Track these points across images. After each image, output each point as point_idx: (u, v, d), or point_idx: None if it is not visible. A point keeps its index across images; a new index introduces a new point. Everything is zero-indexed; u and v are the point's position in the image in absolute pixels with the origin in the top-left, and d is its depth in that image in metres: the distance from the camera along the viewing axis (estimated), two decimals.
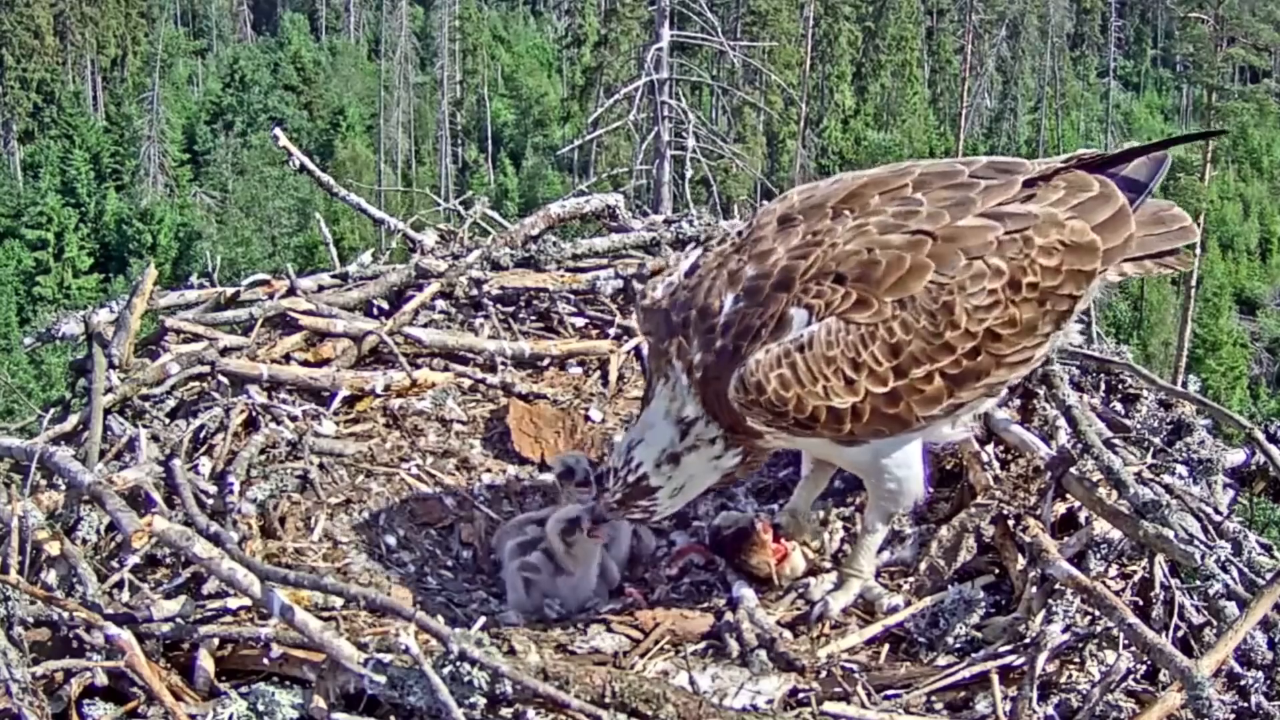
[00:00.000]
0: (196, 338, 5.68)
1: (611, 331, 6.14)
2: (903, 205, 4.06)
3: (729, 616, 4.22)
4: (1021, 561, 4.24)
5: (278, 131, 6.97)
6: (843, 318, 3.90)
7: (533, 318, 6.29)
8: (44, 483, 4.69)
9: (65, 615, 3.87)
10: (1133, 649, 3.80)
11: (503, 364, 5.84)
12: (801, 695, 3.81)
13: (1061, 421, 4.75)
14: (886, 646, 4.15)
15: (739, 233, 4.29)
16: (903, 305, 3.91)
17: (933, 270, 3.92)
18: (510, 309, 6.28)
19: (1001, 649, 3.92)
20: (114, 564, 4.24)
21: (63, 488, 4.59)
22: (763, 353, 3.92)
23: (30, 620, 3.87)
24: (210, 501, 4.62)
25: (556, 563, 4.53)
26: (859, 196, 4.13)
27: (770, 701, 3.80)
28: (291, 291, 6.04)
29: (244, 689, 3.68)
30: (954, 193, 4.09)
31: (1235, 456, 4.74)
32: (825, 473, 4.67)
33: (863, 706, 3.75)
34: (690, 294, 4.17)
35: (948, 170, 4.20)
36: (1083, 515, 4.44)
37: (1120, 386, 5.18)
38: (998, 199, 4.08)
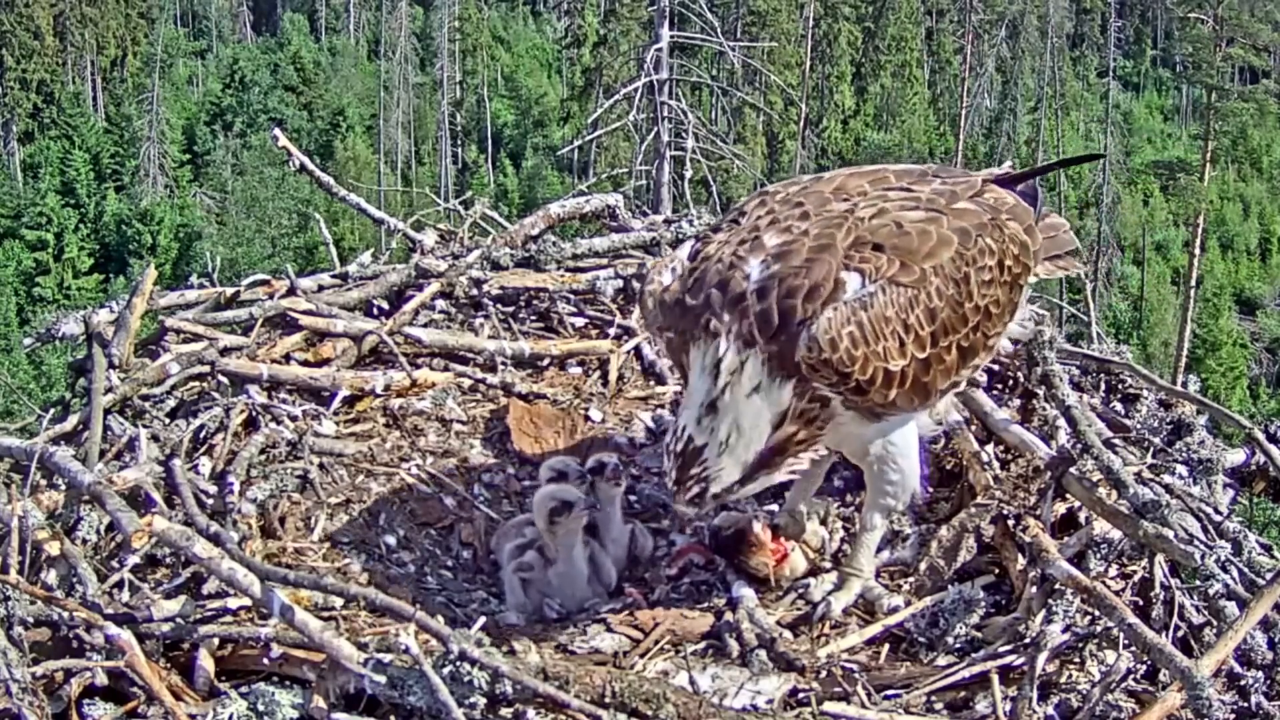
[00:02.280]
0: (196, 338, 5.68)
1: (611, 331, 6.14)
2: (900, 191, 4.19)
3: (729, 616, 4.22)
4: (1021, 561, 4.25)
5: (277, 132, 6.97)
6: (893, 281, 3.95)
7: (533, 318, 6.29)
8: (44, 483, 4.68)
9: (65, 615, 3.87)
10: (1133, 649, 3.81)
11: (503, 364, 5.84)
12: (801, 695, 3.81)
13: (1061, 421, 4.76)
14: (886, 646, 4.15)
15: (731, 220, 4.24)
16: (936, 273, 4.01)
17: (956, 243, 4.06)
18: (510, 309, 6.28)
19: (1001, 649, 3.92)
20: (114, 564, 4.23)
21: (63, 488, 4.59)
22: (832, 311, 3.87)
23: (30, 620, 3.87)
24: (210, 501, 4.62)
25: (545, 555, 4.53)
26: (848, 187, 4.22)
27: (770, 701, 3.80)
28: (291, 291, 6.04)
29: (244, 689, 3.69)
30: (934, 184, 4.27)
31: (1235, 456, 4.75)
32: (819, 470, 4.68)
33: (863, 706, 3.75)
34: (702, 277, 4.04)
35: (914, 169, 4.41)
36: (1083, 515, 4.44)
37: (1120, 386, 5.18)
38: (970, 192, 4.28)
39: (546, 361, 5.95)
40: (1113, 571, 4.23)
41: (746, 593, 4.36)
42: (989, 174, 4.57)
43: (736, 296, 3.92)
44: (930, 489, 4.55)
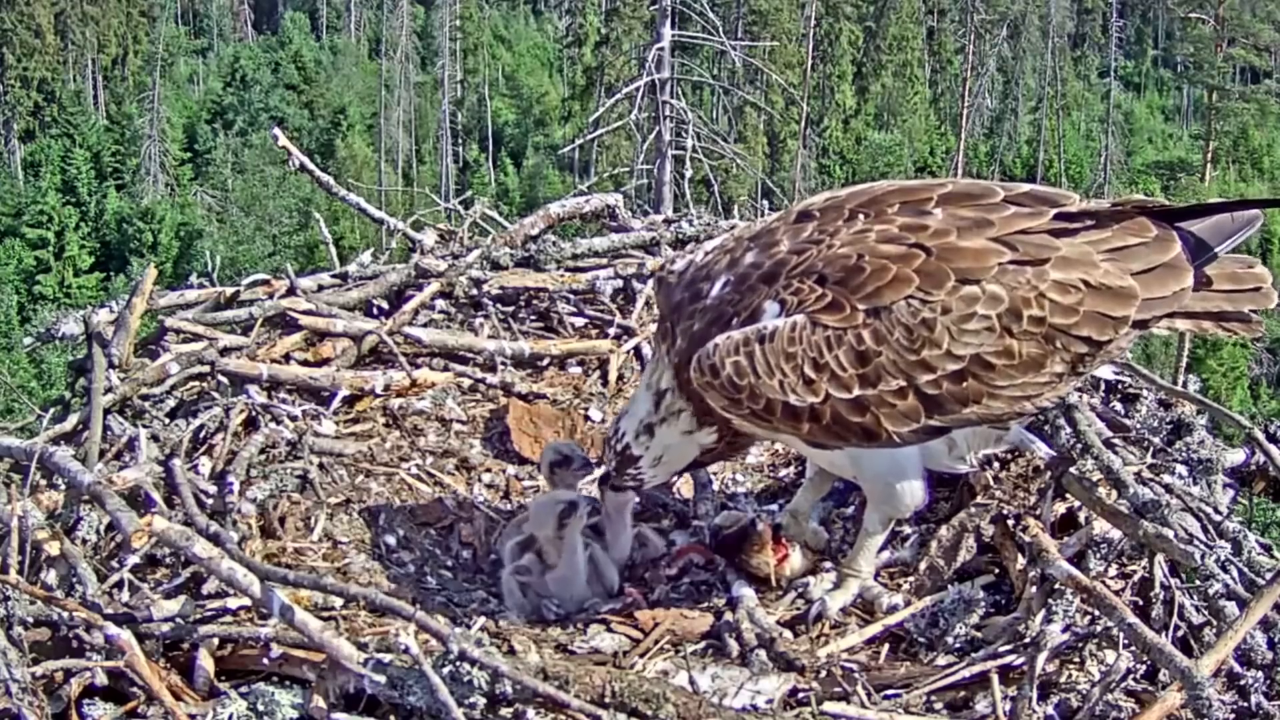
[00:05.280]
0: (196, 337, 5.68)
1: (611, 331, 6.14)
2: (914, 218, 3.98)
3: (729, 616, 4.22)
4: (1021, 561, 4.24)
5: (277, 131, 6.98)
6: (812, 317, 3.90)
7: (533, 317, 6.29)
8: (44, 483, 4.68)
9: (65, 615, 3.87)
10: (1133, 649, 3.80)
11: (502, 364, 5.84)
12: (801, 695, 3.81)
13: (1061, 421, 4.75)
14: (886, 646, 4.15)
15: (765, 222, 4.33)
16: (876, 315, 3.86)
17: (915, 285, 3.85)
18: (510, 309, 6.28)
19: (1001, 649, 3.92)
20: (114, 564, 4.23)
21: (63, 488, 4.59)
22: (724, 337, 3.98)
23: (30, 620, 3.87)
24: (210, 501, 4.62)
25: (544, 560, 4.53)
26: (879, 203, 4.09)
27: (770, 701, 3.80)
28: (291, 291, 6.04)
29: (244, 689, 3.69)
30: (975, 213, 3.98)
31: (1235, 456, 4.74)
32: (828, 477, 4.67)
33: (863, 706, 3.75)
34: (696, 274, 4.25)
35: (982, 191, 4.08)
36: (1083, 515, 4.44)
37: (1120, 386, 5.18)
38: (1019, 226, 3.95)
39: (546, 361, 5.95)
40: (1113, 571, 4.22)
41: (746, 593, 4.36)
42: (1141, 201, 4.15)
43: (690, 311, 4.17)
44: (930, 489, 4.54)
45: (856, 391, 3.89)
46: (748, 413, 4.00)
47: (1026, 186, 4.17)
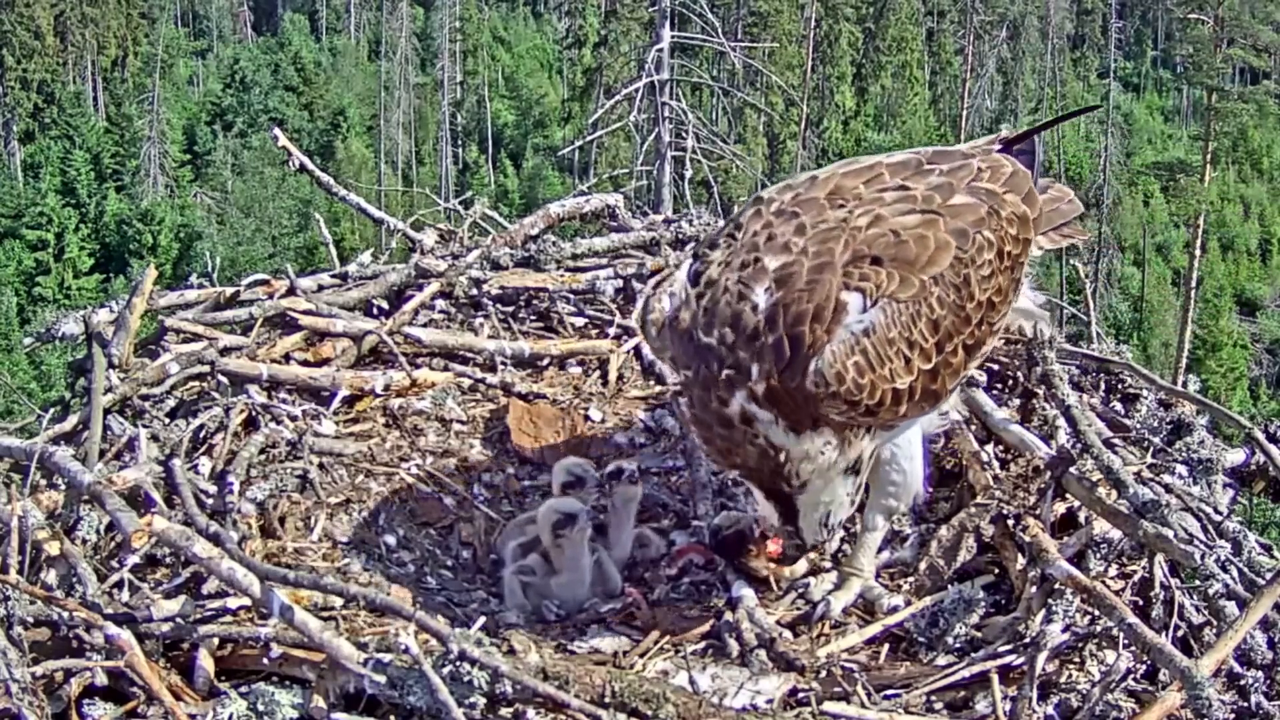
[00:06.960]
0: (196, 337, 5.68)
1: (611, 331, 6.14)
2: (895, 192, 4.13)
3: (729, 616, 4.21)
4: (1021, 561, 4.25)
5: (277, 132, 6.98)
6: (893, 298, 3.94)
7: (533, 317, 6.29)
8: (44, 483, 4.68)
9: (65, 615, 3.87)
10: (1133, 649, 3.80)
11: (502, 364, 5.84)
12: (801, 695, 3.81)
13: (1061, 421, 4.75)
14: (886, 646, 4.15)
15: (728, 235, 4.17)
16: (936, 282, 4.00)
17: (954, 246, 4.03)
18: (510, 309, 6.28)
19: (1001, 649, 3.92)
20: (114, 564, 4.23)
21: (63, 488, 4.58)
22: (836, 343, 3.87)
23: (30, 620, 3.87)
24: (210, 501, 4.61)
25: (550, 564, 4.53)
26: (843, 190, 4.14)
27: (770, 701, 3.80)
28: (291, 291, 6.04)
29: (244, 689, 3.69)
30: (930, 177, 4.20)
31: (1235, 456, 4.74)
32: None
33: (862, 706, 3.75)
34: (712, 309, 3.98)
35: (909, 159, 4.31)
36: (1083, 515, 4.44)
37: (1120, 386, 5.18)
38: (967, 179, 4.22)
39: (546, 361, 5.95)
40: (1113, 571, 4.23)
41: (746, 593, 4.35)
42: (988, 140, 4.57)
43: (751, 333, 3.90)
44: (930, 489, 4.55)
45: (934, 360, 4.01)
46: (861, 412, 3.95)
47: (930, 149, 4.42)
